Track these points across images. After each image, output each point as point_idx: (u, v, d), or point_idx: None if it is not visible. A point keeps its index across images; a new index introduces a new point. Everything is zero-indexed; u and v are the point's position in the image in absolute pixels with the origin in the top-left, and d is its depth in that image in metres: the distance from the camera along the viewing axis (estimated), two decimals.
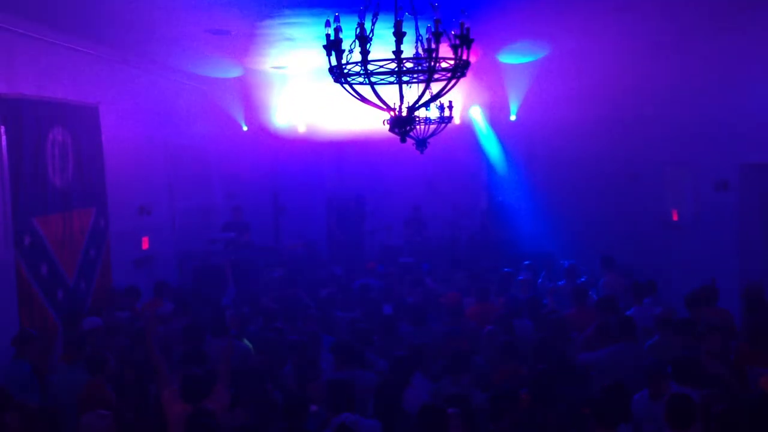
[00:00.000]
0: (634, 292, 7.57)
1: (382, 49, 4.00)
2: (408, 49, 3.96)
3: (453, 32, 3.83)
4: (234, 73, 10.80)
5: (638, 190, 10.76)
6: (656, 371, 5.08)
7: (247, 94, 12.30)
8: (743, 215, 8.05)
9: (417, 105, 4.08)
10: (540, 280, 9.42)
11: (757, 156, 7.70)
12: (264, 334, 6.97)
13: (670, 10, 7.40)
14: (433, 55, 3.73)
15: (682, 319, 6.32)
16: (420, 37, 4.11)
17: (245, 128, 13.33)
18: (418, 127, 7.89)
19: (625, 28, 8.20)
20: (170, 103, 10.75)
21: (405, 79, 3.92)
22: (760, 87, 7.52)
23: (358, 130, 12.68)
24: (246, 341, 6.65)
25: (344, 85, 3.97)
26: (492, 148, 13.61)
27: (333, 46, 3.79)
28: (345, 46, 3.84)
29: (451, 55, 3.82)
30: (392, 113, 4.07)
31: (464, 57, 3.85)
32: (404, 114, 4.06)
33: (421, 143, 8.09)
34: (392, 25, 3.68)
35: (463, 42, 3.81)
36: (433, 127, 8.28)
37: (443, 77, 3.92)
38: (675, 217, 9.62)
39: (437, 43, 3.69)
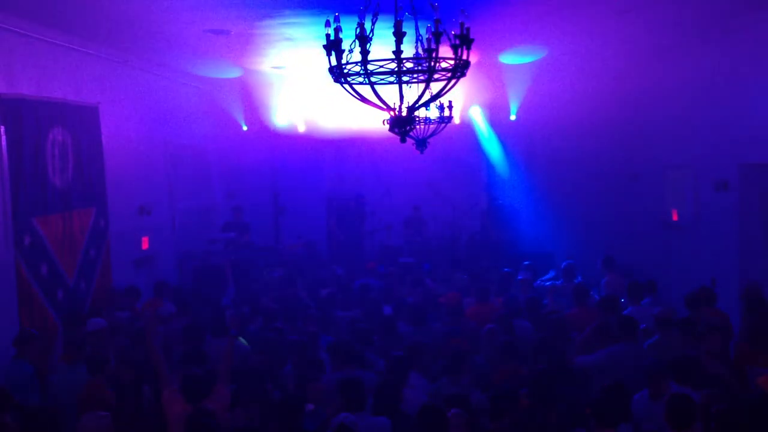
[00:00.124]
0: (631, 292, 7.55)
1: (382, 49, 4.00)
2: (408, 49, 3.96)
3: (453, 32, 3.83)
4: (234, 73, 10.80)
5: (638, 190, 10.76)
6: (656, 371, 5.08)
7: (246, 94, 12.30)
8: (743, 215, 8.04)
9: (417, 105, 4.09)
10: (538, 282, 9.43)
11: (756, 156, 7.69)
12: (264, 334, 6.96)
13: (670, 13, 7.41)
14: (433, 55, 3.73)
15: (682, 318, 6.33)
16: (420, 37, 4.11)
17: (245, 128, 13.35)
18: (418, 127, 7.91)
19: (625, 30, 8.19)
20: (170, 103, 10.75)
21: (405, 79, 3.92)
22: (759, 87, 7.52)
23: (357, 130, 12.72)
24: (242, 340, 6.64)
25: (344, 85, 3.97)
26: (492, 148, 13.62)
27: (333, 46, 3.79)
28: (345, 46, 3.84)
29: (451, 55, 3.82)
30: (392, 113, 4.07)
31: (464, 57, 3.85)
32: (404, 114, 4.06)
33: (421, 143, 8.11)
34: (392, 25, 3.68)
35: (463, 42, 3.81)
36: (433, 127, 8.29)
37: (443, 77, 3.91)
38: (675, 218, 9.60)
39: (437, 43, 3.69)
